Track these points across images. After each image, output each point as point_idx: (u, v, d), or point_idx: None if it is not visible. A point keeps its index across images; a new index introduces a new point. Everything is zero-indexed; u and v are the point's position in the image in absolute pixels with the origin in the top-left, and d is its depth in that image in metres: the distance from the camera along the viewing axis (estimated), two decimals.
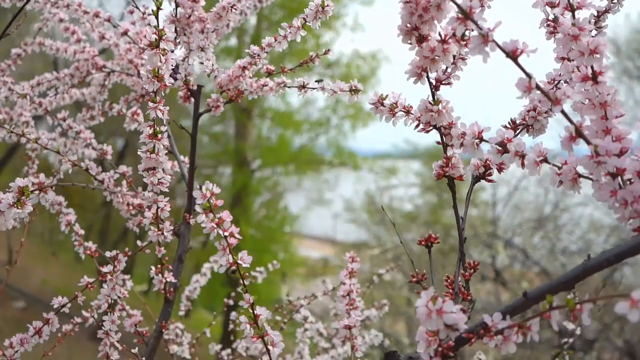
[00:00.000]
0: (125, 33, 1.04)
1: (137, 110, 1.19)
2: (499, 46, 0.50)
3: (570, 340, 1.12)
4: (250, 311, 0.65)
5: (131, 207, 1.02)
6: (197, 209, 0.61)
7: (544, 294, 0.49)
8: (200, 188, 0.61)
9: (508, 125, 0.69)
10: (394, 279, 7.65)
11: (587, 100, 0.54)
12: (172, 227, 0.91)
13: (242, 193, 10.84)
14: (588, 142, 0.51)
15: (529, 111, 0.68)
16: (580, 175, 0.54)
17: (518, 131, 0.69)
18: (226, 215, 0.63)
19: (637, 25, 8.97)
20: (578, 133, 0.52)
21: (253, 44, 1.01)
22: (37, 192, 0.67)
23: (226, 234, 0.62)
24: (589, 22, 0.71)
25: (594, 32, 0.72)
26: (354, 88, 0.83)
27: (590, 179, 0.54)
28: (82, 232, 1.09)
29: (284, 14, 10.56)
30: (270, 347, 0.64)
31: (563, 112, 0.51)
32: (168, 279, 0.97)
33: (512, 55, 0.50)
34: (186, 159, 1.10)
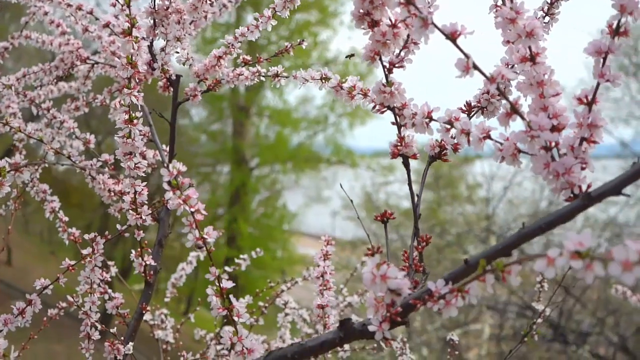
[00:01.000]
0: (107, 25, 1.08)
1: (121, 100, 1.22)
2: (438, 28, 0.53)
3: (539, 320, 1.16)
4: (217, 284, 0.68)
5: (112, 194, 1.05)
6: (165, 186, 0.65)
7: (481, 259, 0.53)
8: (168, 167, 0.64)
9: (463, 108, 0.72)
10: None
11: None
12: (150, 211, 0.95)
13: (241, 191, 10.88)
14: (523, 118, 0.55)
15: (483, 94, 0.72)
16: (520, 151, 0.58)
17: (473, 113, 0.72)
18: (192, 193, 0.66)
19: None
20: (513, 109, 0.55)
21: (248, 43, 1.05)
22: (12, 172, 0.71)
23: (193, 210, 0.65)
24: (542, 9, 0.75)
25: (547, 19, 0.75)
26: (324, 76, 0.87)
27: (529, 153, 0.57)
28: (66, 218, 1.13)
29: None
30: (235, 318, 0.68)
31: (498, 89, 0.54)
32: (148, 262, 1.00)
33: (452, 37, 0.54)
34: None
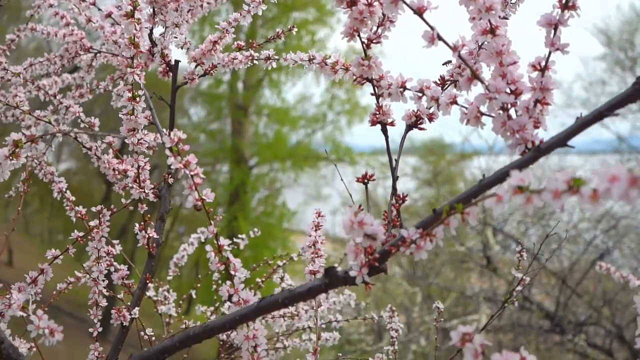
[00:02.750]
0: (109, 15, 1.15)
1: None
2: (406, 4, 0.61)
3: (519, 288, 1.23)
4: (215, 241, 0.76)
5: (117, 172, 1.12)
6: (167, 152, 0.72)
7: (445, 206, 0.60)
8: (169, 134, 0.71)
9: (437, 81, 0.79)
10: (393, 274, 7.77)
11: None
12: (152, 186, 1.02)
13: (240, 190, 10.94)
14: (482, 82, 0.62)
15: (455, 68, 0.79)
16: (482, 113, 0.65)
17: (447, 85, 0.79)
18: (192, 158, 0.73)
19: (629, 16, 9.05)
20: (474, 75, 0.62)
21: (248, 40, 1.12)
22: (29, 143, 0.78)
23: (192, 173, 0.73)
24: None
25: (514, 0, 0.82)
26: (311, 57, 0.94)
27: (490, 115, 0.64)
28: (73, 198, 1.20)
29: (279, 11, 10.66)
30: (232, 273, 0.75)
31: (460, 56, 0.62)
32: (151, 235, 1.08)
33: (419, 11, 0.61)
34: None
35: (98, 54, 1.30)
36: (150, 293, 1.38)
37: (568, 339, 5.50)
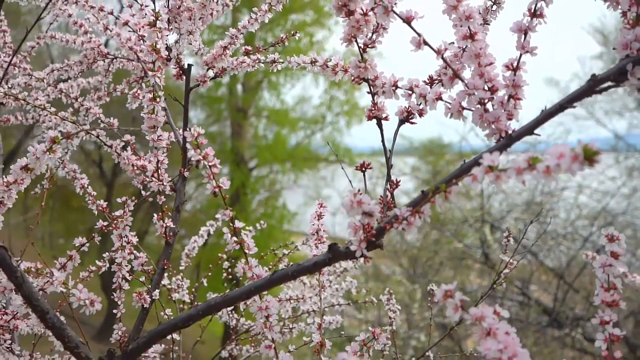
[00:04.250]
0: (126, 23, 1.25)
1: (138, 90, 1.40)
2: (396, 14, 0.71)
3: (507, 271, 1.32)
4: (231, 224, 0.86)
5: (135, 168, 1.22)
6: (187, 145, 0.82)
7: (431, 187, 0.70)
8: (190, 129, 0.81)
9: (426, 81, 0.89)
10: (392, 272, 7.87)
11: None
12: (170, 179, 1.12)
13: (240, 192, 11.03)
14: (462, 81, 0.72)
15: (441, 69, 0.89)
16: (463, 107, 0.75)
17: (435, 84, 0.89)
18: (210, 150, 0.83)
19: None
20: (455, 74, 0.72)
21: (246, 42, 1.22)
22: (65, 139, 0.87)
23: (211, 164, 0.83)
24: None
25: (494, 7, 0.92)
26: (313, 60, 1.04)
27: (470, 109, 0.74)
28: (94, 193, 1.30)
29: (277, 13, 10.77)
30: (246, 251, 0.85)
31: (443, 59, 0.72)
32: (168, 225, 1.17)
33: (407, 20, 0.71)
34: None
35: (114, 59, 1.40)
36: (165, 282, 1.48)
37: (566, 333, 5.60)
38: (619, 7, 0.68)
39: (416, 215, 0.70)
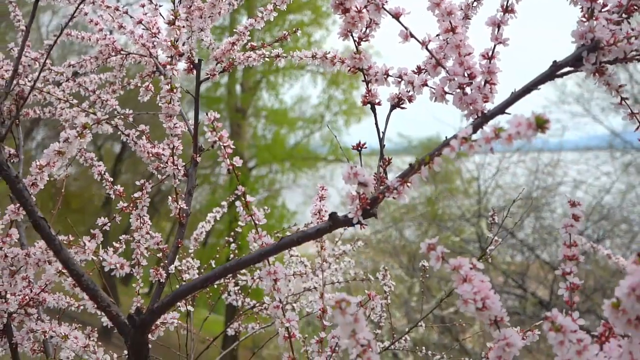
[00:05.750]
0: (140, 22, 1.35)
1: (150, 84, 1.51)
2: (386, 10, 0.81)
3: (492, 247, 1.43)
4: (243, 199, 0.96)
5: (150, 155, 1.33)
6: (205, 128, 0.92)
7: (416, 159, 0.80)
8: (207, 114, 0.92)
9: (415, 70, 1.00)
10: (395, 274, 7.98)
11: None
12: (184, 164, 1.23)
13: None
14: (444, 68, 0.83)
15: (427, 59, 0.99)
16: (445, 92, 0.86)
17: (422, 73, 1.00)
18: (224, 133, 0.94)
19: None
20: (438, 63, 0.83)
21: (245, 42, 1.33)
22: (95, 125, 0.98)
23: (225, 144, 0.94)
24: None
25: (475, 4, 1.03)
26: (314, 54, 1.15)
27: (451, 93, 0.85)
28: (111, 179, 1.40)
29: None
30: (257, 222, 0.96)
31: (427, 49, 0.82)
32: (182, 206, 1.28)
33: (396, 16, 0.82)
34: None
35: (128, 55, 1.51)
36: (175, 263, 1.58)
37: None
38: (579, 3, 0.79)
39: (404, 184, 0.81)
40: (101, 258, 0.91)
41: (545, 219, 7.16)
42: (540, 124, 0.59)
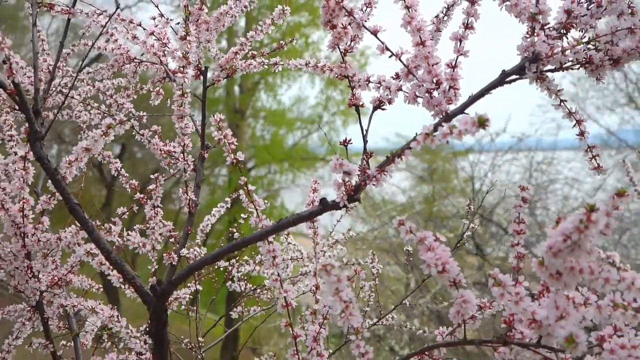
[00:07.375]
0: (152, 33, 1.52)
1: (160, 89, 1.67)
2: (366, 28, 0.98)
3: (469, 233, 1.59)
4: (245, 187, 1.12)
5: (162, 152, 1.49)
6: (212, 127, 1.08)
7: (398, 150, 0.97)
8: (214, 115, 1.08)
9: (394, 76, 1.17)
10: (392, 271, 8.15)
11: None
12: (193, 159, 1.39)
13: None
14: (414, 76, 0.99)
15: (402, 68, 1.16)
16: (416, 96, 1.02)
17: (398, 79, 1.16)
18: (229, 132, 1.10)
19: None
20: (409, 72, 1.00)
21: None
22: (118, 124, 1.14)
23: (229, 141, 1.10)
24: (442, 11, 1.19)
25: (445, 18, 1.19)
26: (307, 62, 1.31)
27: (421, 97, 1.02)
28: (127, 174, 1.56)
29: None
30: (257, 208, 1.12)
31: (400, 60, 0.99)
32: (191, 197, 1.44)
33: (374, 32, 0.98)
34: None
35: (141, 63, 1.67)
36: (183, 251, 1.74)
37: None
38: (524, 22, 0.95)
39: (382, 173, 0.97)
40: (126, 239, 1.07)
41: (538, 216, 7.33)
42: (482, 122, 0.75)
